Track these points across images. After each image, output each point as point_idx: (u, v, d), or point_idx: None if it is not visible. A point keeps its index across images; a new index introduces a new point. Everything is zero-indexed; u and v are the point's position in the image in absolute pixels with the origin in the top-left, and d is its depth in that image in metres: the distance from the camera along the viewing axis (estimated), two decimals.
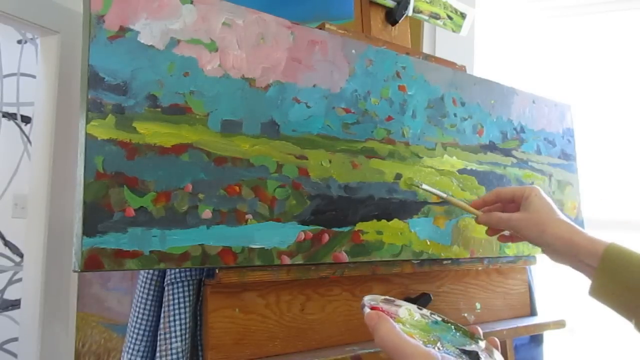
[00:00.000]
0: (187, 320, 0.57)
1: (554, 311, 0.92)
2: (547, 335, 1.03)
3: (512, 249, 0.82)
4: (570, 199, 0.94)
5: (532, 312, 0.91)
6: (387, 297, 0.51)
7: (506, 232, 0.70)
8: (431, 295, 0.72)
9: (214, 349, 0.55)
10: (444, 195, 0.69)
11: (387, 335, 0.41)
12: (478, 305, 0.82)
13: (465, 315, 0.80)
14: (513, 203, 0.66)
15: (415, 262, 0.71)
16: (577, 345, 1.38)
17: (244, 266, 0.55)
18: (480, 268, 0.80)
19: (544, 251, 0.63)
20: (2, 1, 1.36)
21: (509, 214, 0.65)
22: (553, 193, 0.91)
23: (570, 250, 0.58)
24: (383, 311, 0.47)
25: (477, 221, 0.68)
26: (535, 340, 1.02)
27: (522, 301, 0.90)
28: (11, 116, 2.00)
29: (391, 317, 0.47)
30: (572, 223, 0.61)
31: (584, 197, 0.97)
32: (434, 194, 0.69)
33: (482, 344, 0.50)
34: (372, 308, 0.47)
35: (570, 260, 0.60)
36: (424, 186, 0.68)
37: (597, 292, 0.57)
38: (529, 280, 0.91)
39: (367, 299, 0.48)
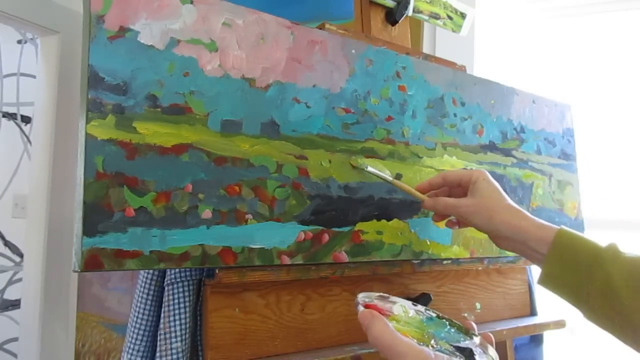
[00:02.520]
0: (187, 320, 0.57)
1: (554, 311, 0.92)
2: (547, 335, 1.03)
3: None
4: (570, 199, 0.94)
5: (532, 312, 0.91)
6: (381, 293, 0.51)
7: (453, 219, 0.67)
8: (431, 295, 0.72)
9: (214, 349, 0.55)
10: (389, 179, 0.66)
11: (381, 335, 0.41)
12: (478, 305, 0.82)
13: (465, 315, 0.80)
14: (460, 187, 0.64)
15: (415, 262, 0.71)
16: (577, 345, 1.38)
17: (244, 266, 0.55)
18: (480, 268, 0.80)
19: (491, 238, 0.61)
20: (2, 1, 1.36)
21: (457, 199, 0.62)
22: (553, 193, 0.91)
23: (519, 236, 0.57)
24: (377, 308, 0.47)
25: (423, 206, 0.65)
26: (535, 340, 1.02)
27: (522, 301, 0.90)
28: (11, 116, 2.00)
29: (385, 314, 0.47)
30: (521, 208, 0.59)
31: (584, 197, 0.97)
32: (378, 176, 0.66)
33: (477, 339, 0.50)
34: (367, 305, 0.47)
35: (519, 247, 0.58)
36: (369, 168, 0.65)
37: (547, 280, 0.55)
38: (529, 280, 0.91)
39: (361, 297, 0.48)
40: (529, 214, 0.58)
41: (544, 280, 0.56)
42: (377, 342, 0.42)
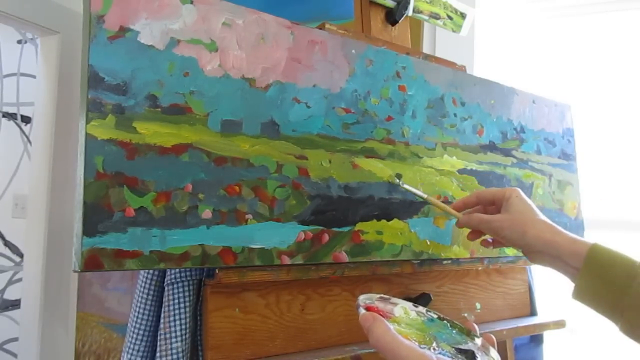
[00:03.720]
0: (187, 320, 0.57)
1: (554, 311, 0.92)
2: (547, 335, 1.03)
3: (512, 249, 0.82)
4: (570, 199, 0.94)
5: (532, 312, 0.91)
6: (382, 295, 0.51)
7: (489, 238, 0.68)
8: (431, 295, 0.72)
9: (214, 349, 0.55)
10: (424, 196, 0.67)
11: (382, 337, 0.41)
12: (478, 305, 0.82)
13: (465, 315, 0.80)
14: (493, 205, 0.65)
15: (415, 262, 0.71)
16: (577, 345, 1.38)
17: (244, 266, 0.55)
18: (480, 268, 0.80)
19: (524, 253, 0.61)
20: (2, 1, 1.36)
21: (490, 215, 0.63)
22: (553, 193, 0.91)
23: (553, 251, 0.57)
24: (379, 310, 0.46)
25: (458, 224, 0.67)
26: (535, 340, 1.02)
27: (522, 301, 0.90)
28: (11, 116, 2.00)
29: (387, 316, 0.47)
30: (553, 224, 0.60)
31: (584, 197, 0.97)
32: (413, 193, 0.68)
33: (479, 341, 0.50)
34: (368, 307, 0.46)
35: (552, 262, 0.58)
36: (405, 185, 0.67)
37: (582, 294, 0.55)
38: (529, 280, 0.91)
39: (362, 299, 0.48)
40: (562, 229, 0.59)
41: (578, 295, 0.56)
42: (378, 345, 0.42)
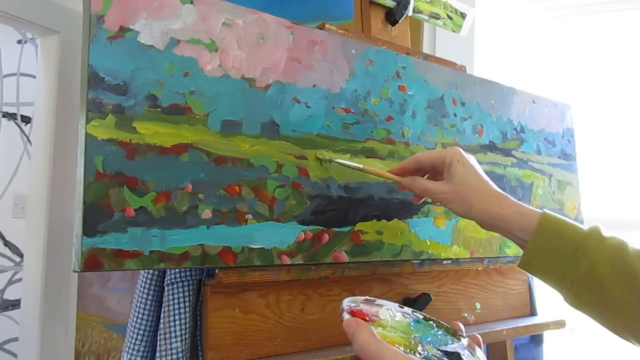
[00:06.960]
0: (187, 320, 0.57)
1: (554, 311, 0.92)
2: (547, 335, 1.03)
3: (512, 249, 0.82)
4: (570, 199, 0.94)
5: (532, 312, 0.91)
6: (367, 297, 0.51)
7: None
8: (431, 295, 0.72)
9: (214, 349, 0.55)
10: (360, 167, 0.64)
11: (366, 344, 0.41)
12: (478, 305, 0.82)
13: (466, 315, 0.80)
14: (434, 171, 0.62)
15: (415, 262, 0.71)
16: (577, 345, 1.38)
17: (244, 266, 0.55)
18: (480, 268, 0.80)
19: (476, 223, 0.59)
20: (2, 1, 1.36)
21: (434, 184, 0.60)
22: (553, 193, 0.91)
23: (501, 224, 0.56)
24: (363, 314, 0.46)
25: (400, 187, 0.63)
26: (535, 340, 1.02)
27: (522, 301, 0.90)
28: (11, 116, 2.00)
29: (372, 319, 0.46)
30: (501, 192, 0.58)
31: (584, 197, 0.97)
32: (347, 166, 0.64)
33: (465, 341, 0.50)
34: (353, 311, 0.46)
35: (502, 233, 0.57)
36: (337, 160, 0.64)
37: (529, 266, 0.55)
38: (529, 280, 0.92)
39: (347, 302, 0.48)
40: (509, 197, 0.57)
41: (525, 266, 0.56)
42: (362, 351, 0.41)
